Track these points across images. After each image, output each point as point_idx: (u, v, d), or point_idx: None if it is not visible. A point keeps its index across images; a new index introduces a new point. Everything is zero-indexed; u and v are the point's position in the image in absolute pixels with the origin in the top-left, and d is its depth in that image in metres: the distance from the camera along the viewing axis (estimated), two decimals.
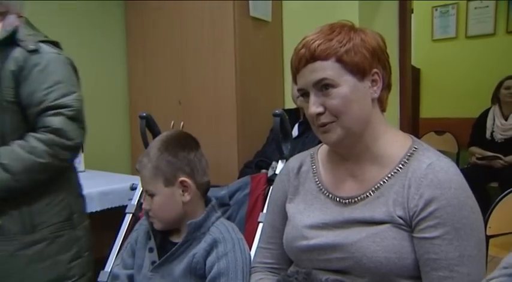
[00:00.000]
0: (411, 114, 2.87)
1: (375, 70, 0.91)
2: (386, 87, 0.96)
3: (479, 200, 0.87)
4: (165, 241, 1.17)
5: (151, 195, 1.12)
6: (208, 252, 1.09)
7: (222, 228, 1.13)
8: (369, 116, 0.92)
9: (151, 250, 1.14)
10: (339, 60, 0.88)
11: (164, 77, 2.48)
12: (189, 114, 2.36)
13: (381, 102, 0.96)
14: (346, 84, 0.89)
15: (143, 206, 1.16)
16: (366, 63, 0.90)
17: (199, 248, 1.09)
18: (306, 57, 0.90)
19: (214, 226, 1.14)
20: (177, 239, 1.14)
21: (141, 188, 1.51)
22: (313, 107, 0.90)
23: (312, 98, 0.91)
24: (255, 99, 2.29)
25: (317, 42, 0.89)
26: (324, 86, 0.89)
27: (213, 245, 1.09)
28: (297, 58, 0.92)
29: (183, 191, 1.13)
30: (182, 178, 1.12)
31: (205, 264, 1.08)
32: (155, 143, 1.16)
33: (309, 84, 0.91)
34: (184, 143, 1.16)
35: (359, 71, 0.89)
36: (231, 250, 1.08)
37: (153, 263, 1.13)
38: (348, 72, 0.89)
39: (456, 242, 0.82)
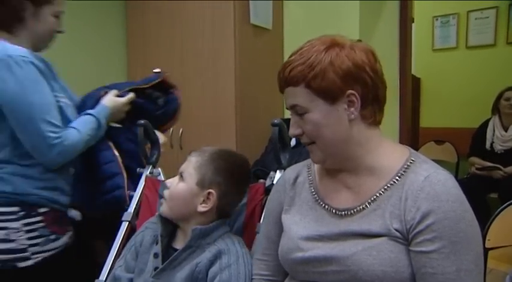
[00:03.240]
0: (411, 123, 2.86)
1: (349, 92, 0.88)
2: (373, 101, 0.92)
3: (478, 211, 0.86)
4: (168, 247, 1.16)
5: (180, 179, 1.15)
6: (211, 263, 1.08)
7: (228, 241, 1.13)
8: (346, 137, 0.91)
9: (156, 255, 1.13)
10: (307, 86, 0.89)
11: None
12: (188, 121, 2.36)
13: (366, 119, 0.92)
14: (316, 110, 0.90)
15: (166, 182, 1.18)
16: (335, 87, 0.88)
17: (203, 258, 1.09)
18: (281, 82, 0.93)
19: (221, 238, 1.14)
20: (180, 246, 1.13)
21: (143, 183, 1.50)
22: (292, 128, 0.95)
23: (292, 119, 0.95)
24: (254, 107, 2.29)
25: (290, 66, 0.90)
26: (297, 111, 0.92)
27: (217, 256, 1.08)
28: (278, 80, 0.95)
29: (203, 201, 1.13)
30: (210, 190, 1.13)
31: (207, 275, 1.07)
32: (220, 150, 1.19)
33: (288, 107, 0.95)
34: (240, 170, 1.19)
35: (328, 96, 0.89)
36: (235, 262, 1.08)
37: (155, 269, 1.12)
38: (318, 97, 0.89)
39: (453, 256, 0.81)
